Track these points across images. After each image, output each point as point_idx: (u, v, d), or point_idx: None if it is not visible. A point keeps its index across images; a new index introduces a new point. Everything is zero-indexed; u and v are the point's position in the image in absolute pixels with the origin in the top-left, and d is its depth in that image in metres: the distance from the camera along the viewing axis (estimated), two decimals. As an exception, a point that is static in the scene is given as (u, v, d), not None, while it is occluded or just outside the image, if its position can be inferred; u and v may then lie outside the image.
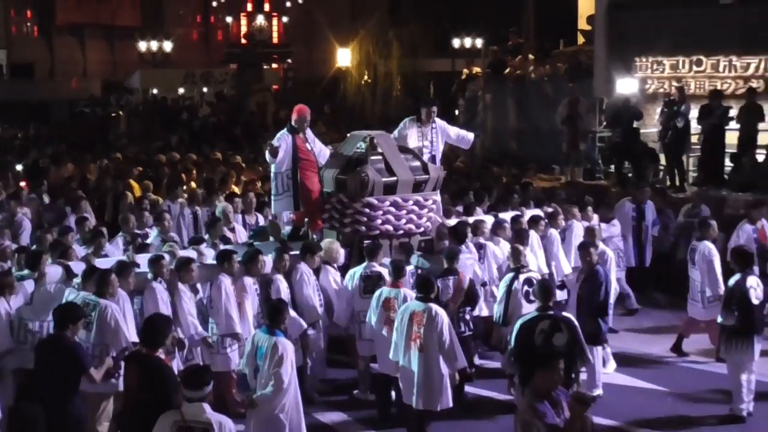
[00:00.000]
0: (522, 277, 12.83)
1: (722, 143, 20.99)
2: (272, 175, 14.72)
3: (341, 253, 13.76)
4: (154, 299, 11.71)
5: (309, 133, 14.81)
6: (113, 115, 37.63)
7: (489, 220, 15.49)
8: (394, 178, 14.06)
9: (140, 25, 56.63)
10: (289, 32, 55.69)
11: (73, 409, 9.84)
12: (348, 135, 15.23)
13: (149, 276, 12.06)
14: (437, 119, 15.45)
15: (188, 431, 7.99)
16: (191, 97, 42.11)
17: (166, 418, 8.14)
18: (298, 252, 13.32)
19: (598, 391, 12.73)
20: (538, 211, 16.20)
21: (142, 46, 46.95)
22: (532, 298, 11.98)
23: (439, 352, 11.22)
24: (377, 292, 12.57)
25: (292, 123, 14.62)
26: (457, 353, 11.31)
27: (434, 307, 11.34)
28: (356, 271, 13.21)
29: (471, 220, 15.27)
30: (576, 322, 11.09)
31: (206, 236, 14.79)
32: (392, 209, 14.04)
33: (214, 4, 58.24)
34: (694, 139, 21.78)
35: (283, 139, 14.49)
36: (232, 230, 15.48)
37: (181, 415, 8.04)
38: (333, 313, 13.40)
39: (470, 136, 16.16)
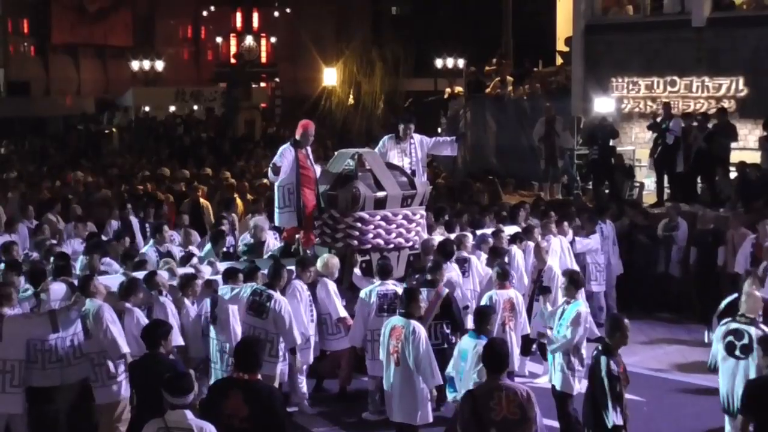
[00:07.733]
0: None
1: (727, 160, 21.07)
2: (275, 187, 14.39)
3: (338, 268, 13.67)
4: (164, 314, 11.71)
5: (308, 149, 14.62)
6: (106, 131, 38.32)
7: (471, 235, 15.57)
8: (384, 193, 14.09)
9: (132, 44, 57.38)
10: (277, 51, 56.34)
11: None
12: (336, 153, 15.07)
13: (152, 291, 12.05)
14: (415, 134, 15.51)
15: None
16: (189, 114, 42.60)
17: (150, 426, 8.13)
18: (292, 267, 13.18)
19: None
20: (517, 228, 16.29)
21: (135, 65, 47.59)
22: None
23: (414, 369, 11.13)
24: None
25: (297, 137, 14.31)
26: (433, 371, 11.13)
27: (414, 324, 11.20)
28: (372, 290, 13.00)
29: (453, 236, 15.31)
30: None
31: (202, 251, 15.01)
32: (383, 223, 14.10)
33: (204, 13, 58.85)
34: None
35: (285, 154, 14.10)
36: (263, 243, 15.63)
37: (164, 421, 8.01)
38: (327, 326, 13.44)
39: (450, 139, 16.10)
